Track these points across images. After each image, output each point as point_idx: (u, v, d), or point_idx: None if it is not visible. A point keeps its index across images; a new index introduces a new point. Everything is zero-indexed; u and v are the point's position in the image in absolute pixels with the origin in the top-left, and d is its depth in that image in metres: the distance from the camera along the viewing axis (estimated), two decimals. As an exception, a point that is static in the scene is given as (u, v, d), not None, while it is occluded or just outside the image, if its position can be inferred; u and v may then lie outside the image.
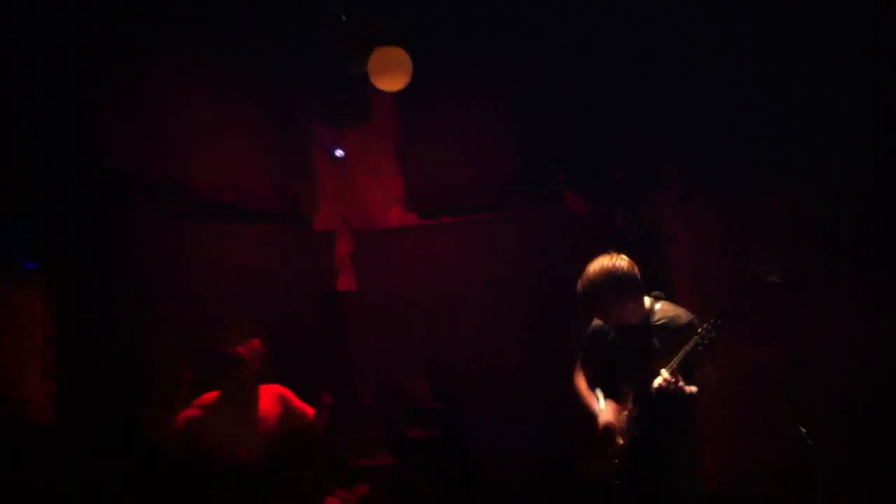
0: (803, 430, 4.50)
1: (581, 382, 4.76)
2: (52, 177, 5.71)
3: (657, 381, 4.20)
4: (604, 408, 4.57)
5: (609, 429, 4.49)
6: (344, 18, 6.24)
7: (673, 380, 4.17)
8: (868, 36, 5.37)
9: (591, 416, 4.61)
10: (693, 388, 4.22)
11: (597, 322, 4.62)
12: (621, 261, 4.38)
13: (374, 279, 7.08)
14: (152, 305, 6.11)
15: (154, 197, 6.29)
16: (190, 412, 5.26)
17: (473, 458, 6.59)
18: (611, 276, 4.33)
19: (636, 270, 4.40)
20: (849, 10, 5.37)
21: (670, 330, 4.37)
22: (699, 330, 4.23)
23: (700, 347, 4.21)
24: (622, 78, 6.02)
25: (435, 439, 6.16)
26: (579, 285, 4.41)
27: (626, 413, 4.45)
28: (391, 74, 6.30)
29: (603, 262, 4.36)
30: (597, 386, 4.69)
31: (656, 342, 4.36)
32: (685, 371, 4.22)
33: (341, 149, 6.94)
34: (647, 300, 4.48)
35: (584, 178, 6.31)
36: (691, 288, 5.61)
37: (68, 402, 5.64)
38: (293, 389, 5.50)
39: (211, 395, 5.35)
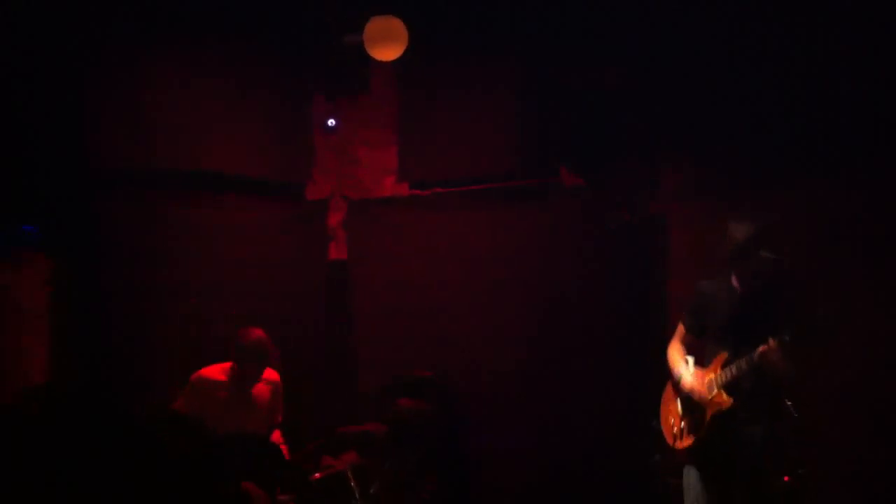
0: (789, 402, 4.53)
1: (675, 348, 4.81)
2: (50, 170, 5.76)
3: (768, 344, 4.28)
4: (691, 372, 4.65)
5: (691, 394, 4.59)
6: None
7: (778, 348, 4.27)
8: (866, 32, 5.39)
9: (674, 380, 4.73)
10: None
11: (707, 286, 4.70)
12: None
13: (367, 251, 7.07)
14: (151, 293, 6.19)
15: (148, 179, 6.32)
16: (206, 372, 5.52)
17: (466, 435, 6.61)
18: (761, 227, 4.42)
19: None
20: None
21: (782, 301, 4.46)
22: (822, 314, 4.26)
23: (820, 324, 4.24)
24: (628, 65, 6.09)
25: (425, 409, 6.18)
26: (732, 233, 4.46)
27: (711, 377, 4.52)
28: (387, 44, 6.30)
29: (753, 216, 4.47)
30: (701, 351, 4.74)
31: (769, 309, 4.45)
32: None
33: (335, 119, 6.93)
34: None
35: (587, 167, 6.34)
36: (691, 276, 5.53)
37: (64, 393, 5.65)
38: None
39: (222, 367, 5.56)
